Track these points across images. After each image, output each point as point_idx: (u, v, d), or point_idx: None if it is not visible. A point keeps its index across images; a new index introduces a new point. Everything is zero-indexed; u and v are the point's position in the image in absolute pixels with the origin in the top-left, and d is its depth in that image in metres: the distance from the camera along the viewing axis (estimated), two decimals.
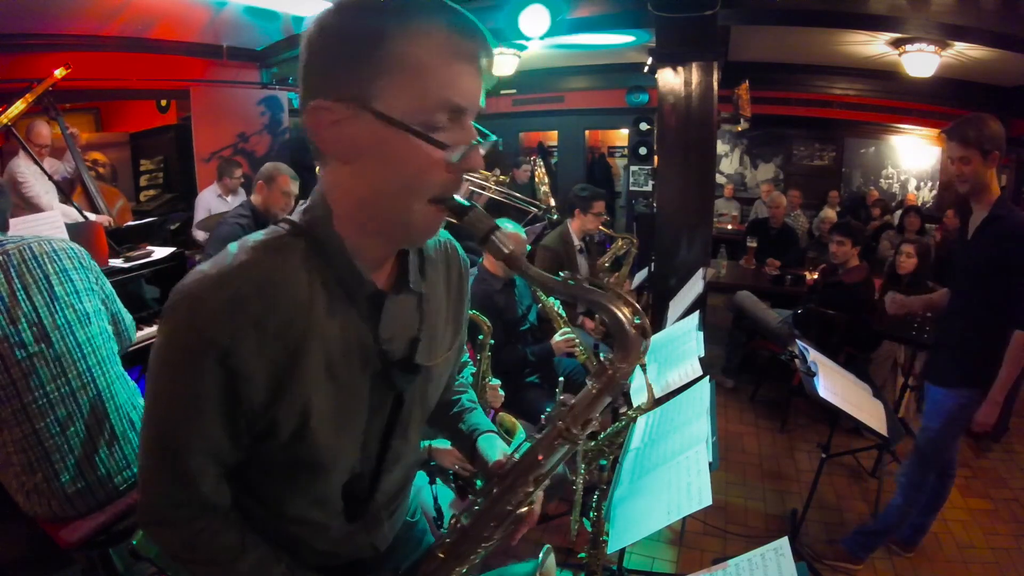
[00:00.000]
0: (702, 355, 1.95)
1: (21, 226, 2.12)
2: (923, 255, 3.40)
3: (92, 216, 3.25)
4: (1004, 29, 3.63)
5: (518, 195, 3.73)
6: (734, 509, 2.65)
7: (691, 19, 3.43)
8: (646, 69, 3.97)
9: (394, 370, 0.76)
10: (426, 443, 1.55)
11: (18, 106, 3.21)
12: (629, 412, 1.85)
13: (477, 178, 3.87)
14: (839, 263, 3.45)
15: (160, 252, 2.81)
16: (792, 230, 5.16)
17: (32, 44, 3.65)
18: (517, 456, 0.79)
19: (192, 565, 0.75)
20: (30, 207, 3.22)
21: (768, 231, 4.98)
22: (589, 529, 1.66)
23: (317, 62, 0.63)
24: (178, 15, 4.17)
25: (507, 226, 2.48)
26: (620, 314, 0.67)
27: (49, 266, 1.53)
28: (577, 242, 3.30)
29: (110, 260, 2.59)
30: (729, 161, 7.76)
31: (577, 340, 2.55)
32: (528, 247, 2.62)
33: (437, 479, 1.56)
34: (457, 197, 0.68)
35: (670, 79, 3.63)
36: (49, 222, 2.31)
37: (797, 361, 2.14)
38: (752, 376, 3.84)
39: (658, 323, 3.22)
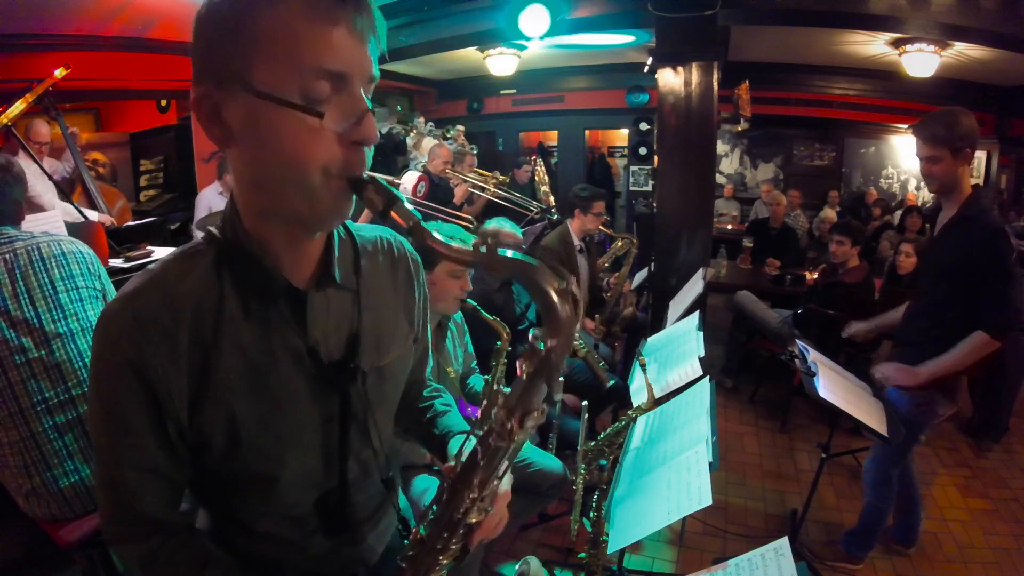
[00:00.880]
0: (702, 355, 1.95)
1: (21, 225, 2.11)
2: (922, 254, 3.40)
3: (92, 216, 3.25)
4: (1004, 29, 3.64)
5: (516, 195, 3.74)
6: (734, 509, 2.65)
7: (691, 19, 3.43)
8: (646, 69, 3.97)
9: (331, 370, 0.73)
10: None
11: (18, 106, 3.20)
12: (629, 412, 1.85)
13: (476, 179, 3.87)
14: (839, 263, 3.45)
15: (160, 252, 2.81)
16: (792, 230, 5.16)
17: (32, 44, 3.64)
18: (462, 458, 0.70)
19: None
20: (31, 207, 3.21)
21: (768, 231, 4.98)
22: (589, 529, 1.66)
23: (195, 51, 0.62)
24: (178, 15, 4.16)
25: (504, 226, 2.48)
26: (543, 283, 0.56)
27: (56, 271, 1.51)
28: (577, 242, 3.29)
29: (110, 260, 2.58)
30: (729, 161, 7.76)
31: (577, 336, 2.54)
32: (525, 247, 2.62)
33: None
34: (364, 174, 0.64)
35: (670, 79, 3.63)
36: (49, 221, 2.31)
37: (797, 361, 2.14)
38: (752, 376, 3.84)
39: (658, 323, 3.22)
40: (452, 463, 0.78)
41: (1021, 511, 2.61)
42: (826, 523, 2.53)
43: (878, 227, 5.78)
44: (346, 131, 0.62)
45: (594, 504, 1.64)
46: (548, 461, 2.00)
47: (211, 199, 4.17)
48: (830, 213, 6.03)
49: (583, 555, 1.62)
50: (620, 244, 3.61)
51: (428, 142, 5.12)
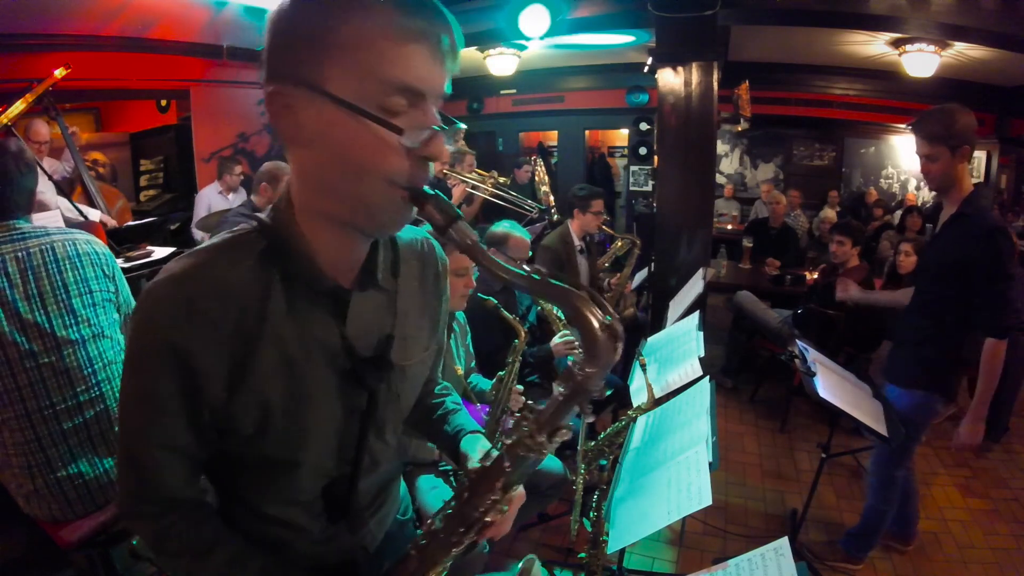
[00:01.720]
0: (702, 355, 1.95)
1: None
2: (921, 252, 3.40)
3: (92, 215, 3.25)
4: (1004, 29, 3.63)
5: (514, 195, 3.73)
6: (734, 509, 2.65)
7: (691, 19, 3.43)
8: (646, 69, 3.97)
9: (364, 368, 0.75)
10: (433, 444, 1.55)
11: (18, 106, 3.20)
12: (629, 412, 1.85)
13: (474, 179, 3.87)
14: (839, 263, 3.45)
15: (160, 252, 2.81)
16: (792, 230, 5.17)
17: (32, 44, 3.64)
18: (488, 462, 0.74)
19: (166, 557, 0.76)
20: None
21: (768, 231, 4.98)
22: (589, 529, 1.65)
23: (273, 48, 0.63)
24: (178, 15, 4.17)
25: (513, 232, 2.48)
26: (588, 314, 0.59)
27: (70, 274, 1.46)
28: (577, 242, 3.30)
29: None
30: (729, 161, 7.76)
31: (576, 342, 2.55)
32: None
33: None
34: (426, 188, 0.66)
35: (670, 79, 3.63)
36: (49, 221, 2.30)
37: (797, 361, 2.14)
38: (752, 376, 3.85)
39: (658, 323, 3.22)
40: (475, 464, 0.80)
41: (1021, 511, 2.61)
42: (826, 523, 2.54)
43: (878, 227, 5.78)
44: (416, 146, 0.63)
45: (594, 504, 1.64)
46: (548, 461, 2.00)
47: (211, 198, 4.18)
48: (830, 213, 6.03)
49: (583, 555, 1.62)
50: (620, 244, 3.61)
51: None
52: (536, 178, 4.52)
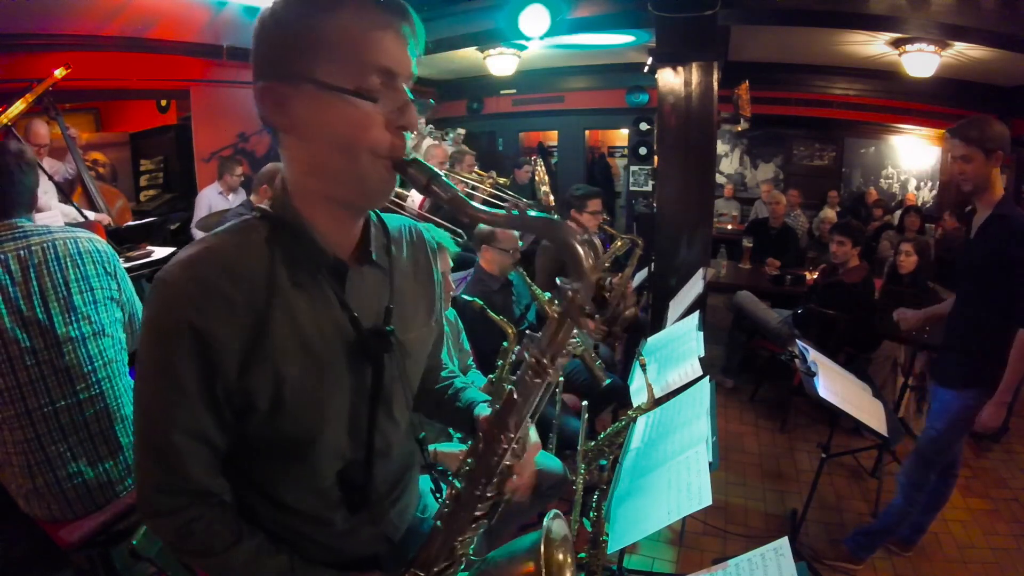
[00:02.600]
0: (702, 355, 1.95)
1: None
2: (922, 253, 3.40)
3: (91, 215, 3.25)
4: (1004, 29, 3.63)
5: (512, 195, 3.74)
6: (734, 509, 2.65)
7: (691, 19, 3.43)
8: (646, 69, 3.97)
9: (369, 337, 0.79)
10: (433, 447, 1.55)
11: (18, 106, 3.20)
12: (629, 412, 1.85)
13: (473, 179, 3.87)
14: (839, 263, 3.45)
15: (160, 252, 2.81)
16: (792, 230, 5.16)
17: (32, 44, 3.64)
18: (499, 403, 0.78)
19: (189, 556, 0.77)
20: None
21: (768, 231, 4.98)
22: (589, 529, 1.66)
23: (261, 49, 0.72)
24: (178, 15, 4.17)
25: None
26: (568, 238, 0.66)
27: (71, 271, 1.46)
28: None
29: None
30: (729, 161, 7.76)
31: (575, 335, 2.54)
32: (520, 243, 2.62)
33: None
34: (408, 156, 0.73)
35: (670, 79, 3.63)
36: (49, 221, 2.30)
37: (797, 361, 2.14)
38: (752, 376, 3.84)
39: (658, 323, 3.22)
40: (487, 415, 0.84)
41: (1021, 511, 2.61)
42: (826, 523, 2.53)
43: (878, 227, 5.78)
44: (392, 118, 0.71)
45: (594, 504, 1.64)
46: (548, 461, 2.00)
47: (211, 198, 4.19)
48: (830, 213, 6.03)
49: (583, 555, 1.62)
50: (619, 244, 3.61)
51: (428, 143, 5.12)
52: (536, 178, 4.52)
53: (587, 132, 8.22)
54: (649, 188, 5.40)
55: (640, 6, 3.56)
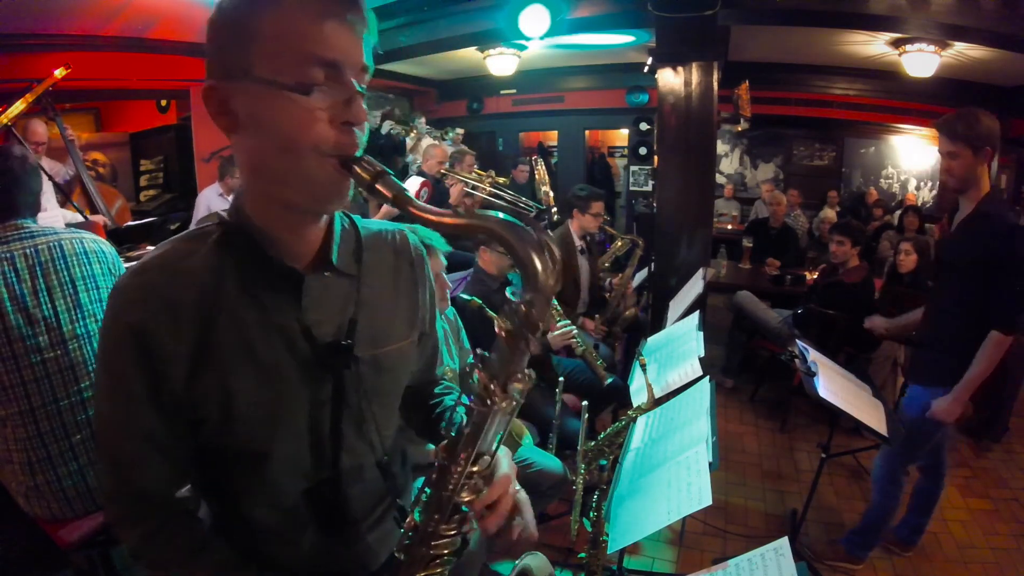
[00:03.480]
0: (702, 355, 1.95)
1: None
2: (922, 253, 3.40)
3: (91, 217, 3.25)
4: (1004, 29, 3.63)
5: (511, 195, 3.73)
6: (734, 509, 2.65)
7: (691, 19, 3.42)
8: (646, 69, 3.97)
9: (324, 352, 0.75)
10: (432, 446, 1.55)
11: (18, 106, 3.20)
12: (629, 412, 1.85)
13: (473, 179, 3.87)
14: (839, 263, 3.45)
15: None
16: (792, 230, 5.16)
17: (32, 44, 3.64)
18: (452, 432, 0.69)
19: (149, 566, 0.75)
20: None
21: (768, 231, 4.98)
22: (589, 529, 1.66)
23: (208, 49, 0.69)
24: (178, 15, 4.16)
25: None
26: (514, 236, 0.58)
27: (77, 270, 1.49)
28: (578, 242, 3.30)
29: None
30: (729, 161, 7.76)
31: (575, 332, 2.54)
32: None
33: None
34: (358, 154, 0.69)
35: (670, 79, 3.63)
36: (49, 222, 2.30)
37: (797, 361, 2.14)
38: (752, 376, 3.85)
39: (658, 323, 3.22)
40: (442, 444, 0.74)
41: (1021, 511, 2.61)
42: (826, 523, 2.53)
43: (878, 227, 5.78)
44: (337, 113, 0.66)
45: (594, 504, 1.64)
46: (548, 461, 2.00)
47: (211, 199, 4.17)
48: (830, 213, 6.03)
49: (583, 555, 1.62)
50: (619, 244, 3.61)
51: (428, 143, 5.12)
52: (536, 178, 4.52)
53: (587, 132, 8.21)
54: (649, 188, 5.40)
55: (640, 6, 3.56)
